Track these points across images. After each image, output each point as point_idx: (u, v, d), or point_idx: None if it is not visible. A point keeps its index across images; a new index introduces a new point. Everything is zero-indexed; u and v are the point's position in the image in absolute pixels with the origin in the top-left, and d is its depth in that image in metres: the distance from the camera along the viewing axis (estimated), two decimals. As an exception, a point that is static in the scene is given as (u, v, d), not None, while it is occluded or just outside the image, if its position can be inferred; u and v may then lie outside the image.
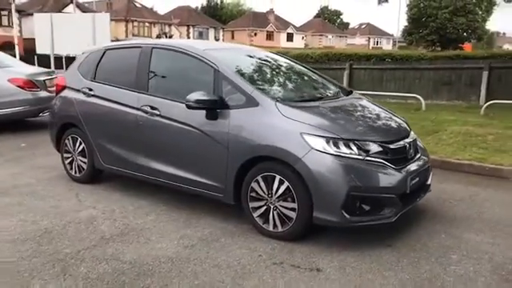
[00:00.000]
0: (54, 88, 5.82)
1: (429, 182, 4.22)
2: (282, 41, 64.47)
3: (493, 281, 3.09)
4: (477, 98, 11.80)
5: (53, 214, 4.28)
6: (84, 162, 5.18)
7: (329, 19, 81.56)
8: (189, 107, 3.95)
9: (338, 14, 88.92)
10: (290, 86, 4.57)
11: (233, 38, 63.42)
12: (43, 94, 8.49)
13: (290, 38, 66.51)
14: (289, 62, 5.12)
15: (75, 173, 5.31)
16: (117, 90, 4.78)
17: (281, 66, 4.92)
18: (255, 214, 3.83)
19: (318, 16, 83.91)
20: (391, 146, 3.72)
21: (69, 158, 5.35)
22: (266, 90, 4.03)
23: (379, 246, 3.59)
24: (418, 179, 3.86)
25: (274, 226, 3.72)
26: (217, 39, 58.73)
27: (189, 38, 57.10)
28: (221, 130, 3.92)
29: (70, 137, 5.29)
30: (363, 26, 78.16)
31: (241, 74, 4.14)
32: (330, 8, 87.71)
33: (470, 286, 3.02)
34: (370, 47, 68.99)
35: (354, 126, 3.80)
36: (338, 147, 3.50)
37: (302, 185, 3.52)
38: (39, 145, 7.31)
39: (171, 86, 4.54)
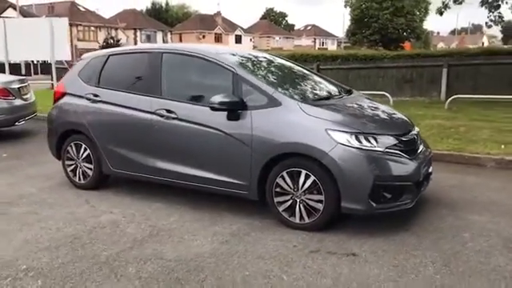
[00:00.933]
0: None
1: (431, 171, 4.60)
2: (230, 43, 64.79)
3: (507, 252, 3.48)
4: (438, 94, 12.61)
5: (73, 221, 4.28)
6: (89, 168, 5.17)
7: (275, 21, 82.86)
8: (213, 109, 4.10)
9: (283, 15, 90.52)
10: (302, 86, 4.80)
11: (181, 40, 63.01)
12: (18, 102, 8.26)
13: (238, 39, 66.97)
14: (290, 63, 5.37)
15: (79, 179, 5.28)
16: (126, 95, 4.83)
17: (287, 67, 5.16)
18: (280, 208, 4.04)
19: (263, 18, 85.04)
20: (403, 138, 4.05)
21: (71, 165, 5.31)
22: (285, 91, 4.25)
23: (399, 231, 3.91)
24: (426, 168, 4.23)
25: (301, 218, 3.95)
26: (165, 42, 58.07)
27: (136, 42, 56.10)
28: (243, 130, 4.09)
29: (72, 144, 5.26)
30: (309, 28, 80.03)
31: (257, 76, 4.34)
32: (275, 10, 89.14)
33: (490, 258, 3.38)
34: (316, 48, 70.80)
35: (370, 121, 4.11)
36: (361, 141, 3.78)
37: (329, 177, 3.77)
38: (23, 155, 7.15)
39: (187, 89, 4.66)
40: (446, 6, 14.18)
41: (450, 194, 4.95)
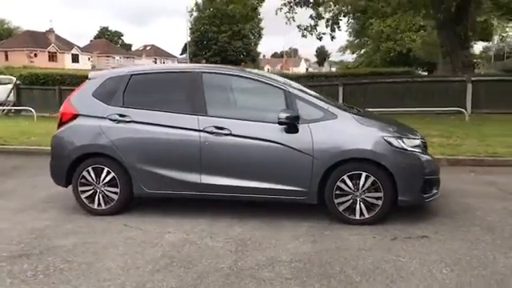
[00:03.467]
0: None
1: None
2: (66, 62, 60.51)
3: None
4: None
5: (145, 245, 4.16)
6: (114, 193, 4.95)
7: (110, 40, 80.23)
8: (281, 123, 4.49)
9: (118, 34, 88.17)
10: (331, 100, 5.42)
11: (7, 59, 56.49)
12: None
13: (75, 59, 62.98)
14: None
15: (98, 205, 4.99)
16: (165, 114, 4.84)
17: (303, 85, 5.71)
18: (341, 208, 4.60)
19: (98, 37, 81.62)
20: (423, 140, 5.01)
21: (88, 190, 4.99)
22: (335, 105, 4.84)
23: (435, 216, 4.80)
24: (434, 165, 5.26)
25: (361, 214, 4.57)
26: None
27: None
28: (304, 141, 4.55)
29: (90, 168, 4.96)
30: (148, 48, 79.50)
31: (306, 93, 4.85)
32: (110, 29, 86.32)
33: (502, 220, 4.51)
34: (158, 68, 70.51)
35: (402, 129, 4.96)
36: (407, 144, 4.61)
37: (387, 176, 4.49)
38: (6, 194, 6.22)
39: (238, 107, 4.90)
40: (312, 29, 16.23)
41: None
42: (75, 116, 5.04)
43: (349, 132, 4.59)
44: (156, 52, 77.93)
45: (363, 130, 4.62)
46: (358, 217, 4.58)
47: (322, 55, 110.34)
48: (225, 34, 60.84)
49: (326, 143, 4.55)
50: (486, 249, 3.94)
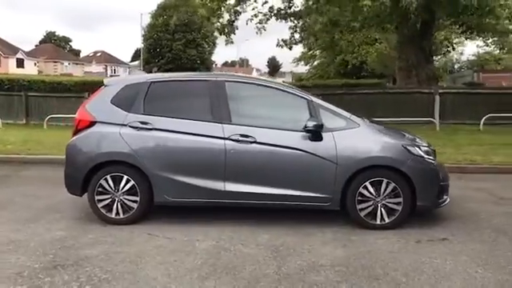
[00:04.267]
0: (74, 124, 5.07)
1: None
2: (10, 67, 57.71)
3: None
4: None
5: (177, 253, 4.13)
6: (134, 201, 4.87)
7: (57, 45, 77.46)
8: (308, 131, 4.62)
9: (66, 40, 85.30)
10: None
11: None
12: None
13: (20, 63, 60.17)
14: None
15: (116, 214, 4.89)
16: (189, 122, 4.84)
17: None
18: (362, 214, 4.78)
19: (44, 41, 78.58)
20: (433, 148, 5.30)
21: (105, 199, 4.88)
22: (356, 115, 5.03)
23: (445, 220, 5.08)
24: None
25: (381, 219, 4.77)
26: None
27: None
28: (328, 149, 4.70)
29: (108, 176, 4.86)
30: (98, 54, 77.28)
31: (328, 103, 5.02)
32: (57, 34, 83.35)
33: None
34: (108, 75, 68.98)
35: (414, 138, 5.22)
36: (424, 152, 4.88)
37: (407, 183, 4.72)
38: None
39: (262, 115, 4.98)
40: (291, 43, 16.64)
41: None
42: (93, 123, 4.92)
43: (370, 140, 4.80)
44: (106, 58, 75.91)
45: (383, 138, 4.84)
46: (378, 222, 4.77)
47: (273, 65, 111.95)
48: (179, 41, 60.47)
49: (349, 151, 4.72)
50: (506, 249, 4.23)
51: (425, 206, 4.82)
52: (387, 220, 4.76)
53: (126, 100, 4.96)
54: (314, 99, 4.90)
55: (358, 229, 4.78)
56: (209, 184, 4.80)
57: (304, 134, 4.72)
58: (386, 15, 12.92)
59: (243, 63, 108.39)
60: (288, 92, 4.98)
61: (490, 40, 23.24)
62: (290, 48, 17.62)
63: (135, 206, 4.87)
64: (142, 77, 5.35)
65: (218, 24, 16.27)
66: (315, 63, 49.00)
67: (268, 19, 16.04)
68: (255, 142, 4.74)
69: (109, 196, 4.88)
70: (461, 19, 13.51)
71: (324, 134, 4.72)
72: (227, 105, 4.85)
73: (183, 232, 4.67)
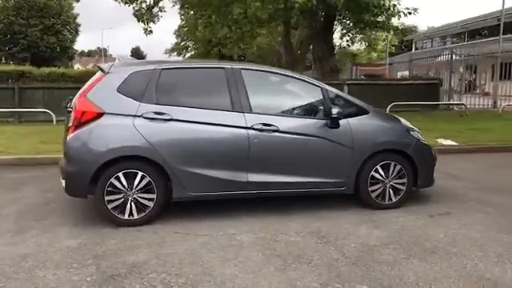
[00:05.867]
0: (73, 116, 4.38)
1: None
2: None
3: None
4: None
5: (227, 248, 3.95)
6: (149, 199, 4.47)
7: None
8: (333, 119, 4.73)
9: None
10: None
11: None
12: None
13: None
14: None
15: (130, 215, 4.44)
16: (209, 112, 4.59)
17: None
18: (373, 195, 5.07)
19: None
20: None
21: (117, 199, 4.40)
22: (364, 102, 5.26)
23: (436, 198, 5.62)
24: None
25: (389, 199, 5.12)
26: None
27: None
28: (345, 136, 4.88)
29: (120, 174, 4.38)
30: None
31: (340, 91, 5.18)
32: None
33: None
34: None
35: (407, 123, 5.64)
36: (419, 135, 5.35)
37: (411, 165, 5.14)
38: None
39: (280, 103, 4.91)
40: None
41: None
42: (100, 115, 4.36)
43: (380, 126, 5.10)
44: None
45: (391, 124, 5.19)
46: (387, 202, 5.11)
47: (137, 56, 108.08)
48: (35, 27, 54.72)
49: (363, 137, 4.96)
50: (505, 215, 4.87)
51: (423, 185, 5.30)
52: (394, 200, 5.13)
53: (135, 89, 4.50)
54: (327, 87, 5.03)
55: (368, 209, 5.05)
56: (231, 175, 4.63)
57: (323, 121, 4.83)
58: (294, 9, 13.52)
59: (102, 53, 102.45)
60: (302, 80, 5.02)
61: (358, 37, 25.57)
62: (147, 22, 16.53)
63: (151, 204, 4.48)
64: (150, 63, 4.88)
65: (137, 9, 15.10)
66: (188, 55, 48.82)
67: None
68: (277, 131, 4.70)
69: (121, 195, 4.40)
70: (359, 16, 14.75)
71: (340, 121, 4.88)
72: (246, 93, 4.71)
73: (210, 227, 4.44)
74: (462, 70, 18.52)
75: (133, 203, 4.42)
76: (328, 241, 4.14)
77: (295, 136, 4.76)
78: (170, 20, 68.61)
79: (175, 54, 50.20)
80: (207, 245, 4.01)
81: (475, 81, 27.00)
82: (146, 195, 4.45)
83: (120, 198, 4.39)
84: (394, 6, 13.65)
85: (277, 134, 4.69)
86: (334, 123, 4.82)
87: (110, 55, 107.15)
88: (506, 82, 18.22)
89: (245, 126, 4.61)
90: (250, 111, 4.68)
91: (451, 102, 16.10)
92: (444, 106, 15.84)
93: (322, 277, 3.39)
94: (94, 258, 3.71)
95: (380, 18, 14.89)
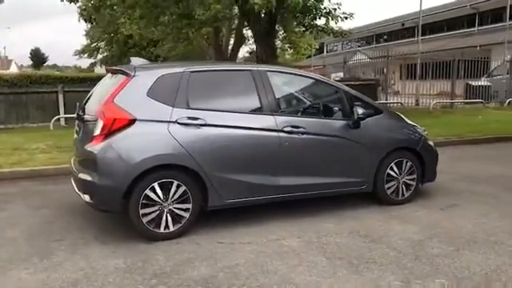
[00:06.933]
0: (102, 124, 3.95)
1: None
2: None
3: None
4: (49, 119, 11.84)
5: (289, 252, 3.88)
6: (185, 210, 4.22)
7: None
8: (359, 119, 4.83)
9: None
10: None
11: None
12: None
13: None
14: None
15: (165, 228, 4.18)
16: (241, 115, 4.47)
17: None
18: (389, 192, 5.26)
19: None
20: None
21: (152, 212, 4.11)
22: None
23: (435, 191, 5.93)
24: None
25: (402, 195, 5.34)
26: None
27: None
28: (365, 135, 5.00)
29: (155, 184, 4.10)
30: None
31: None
32: None
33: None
34: None
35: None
36: (424, 132, 5.65)
37: (419, 162, 5.40)
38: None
39: (305, 105, 4.89)
40: None
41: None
42: (132, 121, 4.03)
43: (394, 125, 5.31)
44: None
45: (401, 123, 5.41)
46: (400, 197, 5.33)
47: (38, 58, 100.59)
48: None
49: (381, 136, 5.13)
50: (507, 203, 5.31)
51: (429, 179, 5.60)
52: (406, 195, 5.36)
53: (165, 92, 4.22)
54: (346, 88, 5.11)
55: (384, 206, 5.21)
56: (265, 180, 4.53)
57: (345, 121, 4.90)
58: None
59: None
60: (323, 81, 5.07)
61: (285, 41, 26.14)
62: None
63: (186, 215, 4.23)
64: (177, 66, 4.58)
65: None
66: (100, 56, 46.69)
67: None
68: (306, 133, 4.69)
69: (156, 208, 4.10)
70: (298, 19, 15.09)
71: (361, 122, 4.99)
72: (274, 95, 4.64)
73: (248, 234, 4.30)
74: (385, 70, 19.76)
75: (168, 215, 4.15)
76: (373, 239, 4.21)
77: (321, 137, 4.79)
78: (67, 20, 64.73)
79: (86, 55, 47.65)
80: (261, 253, 3.88)
81: (386, 81, 28.97)
82: (181, 205, 4.19)
83: (155, 211, 4.10)
84: (335, 9, 14.18)
85: (305, 136, 4.68)
86: (356, 123, 4.92)
87: (6, 57, 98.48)
88: (412, 81, 19.89)
89: (275, 128, 4.54)
90: (279, 113, 4.62)
91: (389, 101, 17.08)
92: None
93: (397, 275, 3.45)
94: (155, 276, 3.42)
95: (319, 22, 15.38)
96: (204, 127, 4.25)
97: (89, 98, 4.80)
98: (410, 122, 5.63)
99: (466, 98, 18.44)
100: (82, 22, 15.64)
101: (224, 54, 24.05)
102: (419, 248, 3.98)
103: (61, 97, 12.34)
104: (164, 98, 4.19)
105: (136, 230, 4.15)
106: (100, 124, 4.02)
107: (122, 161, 3.97)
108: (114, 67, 4.79)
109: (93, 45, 46.85)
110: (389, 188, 5.22)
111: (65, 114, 12.15)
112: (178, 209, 4.18)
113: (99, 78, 14.36)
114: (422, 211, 5.06)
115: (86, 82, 14.00)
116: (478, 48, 26.24)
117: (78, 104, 4.56)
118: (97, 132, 4.03)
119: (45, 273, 3.50)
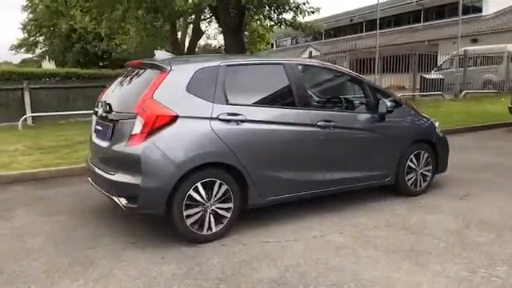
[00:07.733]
0: (143, 122, 3.66)
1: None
2: None
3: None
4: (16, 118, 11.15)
5: (346, 250, 3.83)
6: (227, 209, 4.06)
7: None
8: (387, 112, 4.84)
9: None
10: None
11: None
12: None
13: None
14: None
15: (208, 229, 4.00)
16: (279, 110, 4.35)
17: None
18: (409, 183, 5.34)
19: None
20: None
21: (196, 213, 3.91)
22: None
23: (441, 179, 6.10)
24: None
25: (420, 186, 5.44)
26: None
27: None
28: (389, 128, 5.05)
29: (199, 184, 3.88)
30: None
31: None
32: None
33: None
34: None
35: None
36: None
37: (434, 153, 5.52)
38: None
39: (333, 98, 4.83)
40: None
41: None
42: (174, 118, 3.79)
43: (413, 117, 5.38)
44: None
45: (418, 115, 5.49)
46: (418, 188, 5.42)
47: None
48: None
49: (402, 128, 5.20)
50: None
51: (442, 170, 5.73)
52: (423, 186, 5.46)
53: (204, 87, 4.01)
54: (369, 81, 5.11)
55: (403, 197, 5.29)
56: (301, 176, 4.45)
57: (371, 115, 4.91)
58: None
59: None
60: (348, 74, 5.02)
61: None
62: None
63: (228, 214, 4.07)
64: (212, 59, 4.36)
65: None
66: (39, 51, 44.47)
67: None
68: (337, 127, 4.64)
69: (199, 208, 3.91)
70: (268, 13, 15.00)
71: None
72: (306, 89, 4.56)
73: (288, 231, 4.22)
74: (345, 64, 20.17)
75: (211, 215, 3.96)
76: (414, 231, 4.23)
77: (350, 131, 4.77)
78: None
79: (23, 50, 45.05)
80: (315, 250, 3.80)
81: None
82: (223, 205, 4.02)
83: (199, 212, 3.90)
84: (304, 3, 14.27)
85: (336, 130, 4.64)
86: (382, 116, 4.94)
87: None
88: (369, 75, 20.45)
89: (310, 123, 4.46)
90: (313, 108, 4.55)
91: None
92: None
93: (460, 265, 3.49)
94: (220, 280, 3.25)
95: (287, 16, 15.43)
96: (244, 123, 4.09)
97: (110, 95, 4.48)
98: (423, 113, 5.73)
99: (421, 91, 19.20)
100: (13, 13, 14.83)
101: (181, 48, 23.55)
102: (464, 238, 4.04)
103: (27, 94, 11.49)
104: (203, 93, 3.98)
105: (178, 233, 3.92)
106: (140, 122, 3.75)
107: (168, 160, 3.73)
108: (141, 61, 4.50)
109: (30, 39, 44.32)
110: (409, 180, 5.29)
111: (32, 112, 11.37)
112: (220, 209, 4.00)
113: (67, 74, 13.63)
114: (442, 200, 5.18)
115: (54, 77, 12.97)
116: (427, 43, 27.43)
117: (101, 101, 4.24)
118: (136, 130, 3.76)
119: (99, 284, 3.22)
